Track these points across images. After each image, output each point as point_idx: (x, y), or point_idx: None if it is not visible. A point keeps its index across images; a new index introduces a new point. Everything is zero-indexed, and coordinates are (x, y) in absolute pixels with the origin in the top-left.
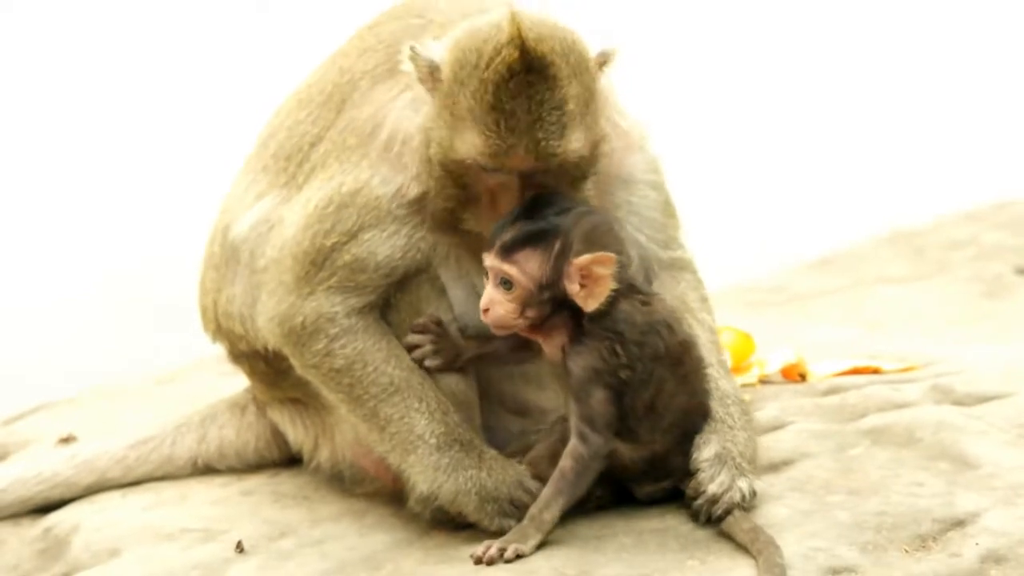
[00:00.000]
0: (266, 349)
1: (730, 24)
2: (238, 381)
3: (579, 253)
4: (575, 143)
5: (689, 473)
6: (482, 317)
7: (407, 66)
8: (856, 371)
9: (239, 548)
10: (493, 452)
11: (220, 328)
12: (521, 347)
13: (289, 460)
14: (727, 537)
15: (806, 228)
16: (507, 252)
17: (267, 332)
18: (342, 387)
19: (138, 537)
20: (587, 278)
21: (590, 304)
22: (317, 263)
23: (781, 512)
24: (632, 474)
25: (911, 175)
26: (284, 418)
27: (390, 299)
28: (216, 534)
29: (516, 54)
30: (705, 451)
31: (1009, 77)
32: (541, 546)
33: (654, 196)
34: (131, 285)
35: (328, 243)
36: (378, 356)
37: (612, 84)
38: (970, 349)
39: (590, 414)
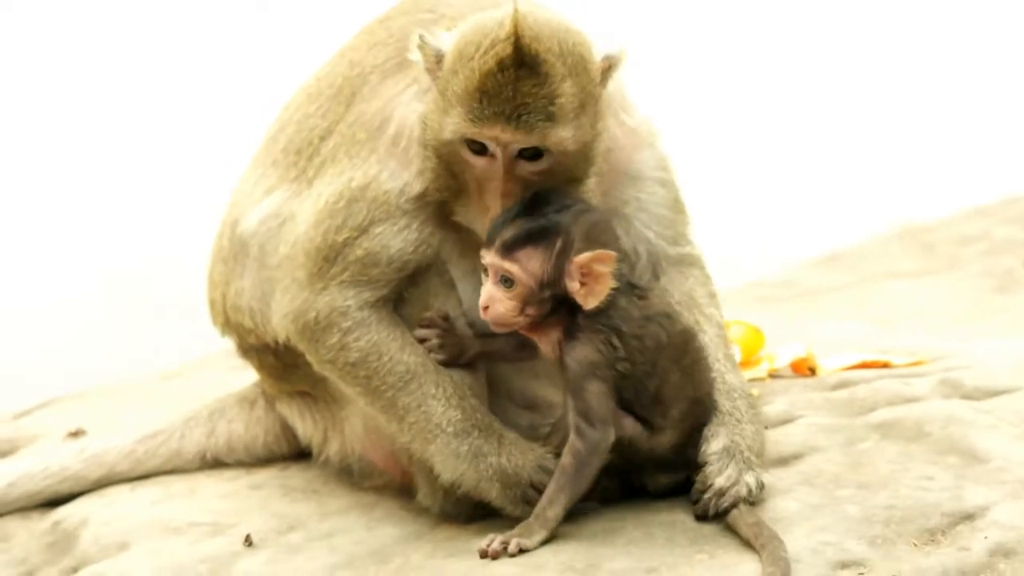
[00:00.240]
0: (275, 342)
1: (738, 22)
2: (247, 376)
3: (580, 251)
4: (561, 133)
5: (698, 465)
6: (481, 315)
7: (415, 55)
8: (865, 365)
9: (248, 542)
10: (513, 435)
11: (229, 321)
12: (524, 346)
13: (298, 454)
14: (732, 531)
15: (815, 224)
16: (508, 250)
17: (281, 329)
18: (359, 380)
19: (147, 531)
20: (588, 276)
21: (590, 302)
22: (329, 258)
23: (790, 506)
24: (653, 463)
25: (921, 170)
26: (293, 412)
27: (403, 293)
28: (225, 528)
29: (510, 49)
30: (713, 444)
31: (1018, 72)
32: (547, 542)
33: (663, 192)
34: (131, 284)
35: (340, 238)
36: (393, 346)
37: (620, 83)
38: (980, 344)
39: (586, 408)
